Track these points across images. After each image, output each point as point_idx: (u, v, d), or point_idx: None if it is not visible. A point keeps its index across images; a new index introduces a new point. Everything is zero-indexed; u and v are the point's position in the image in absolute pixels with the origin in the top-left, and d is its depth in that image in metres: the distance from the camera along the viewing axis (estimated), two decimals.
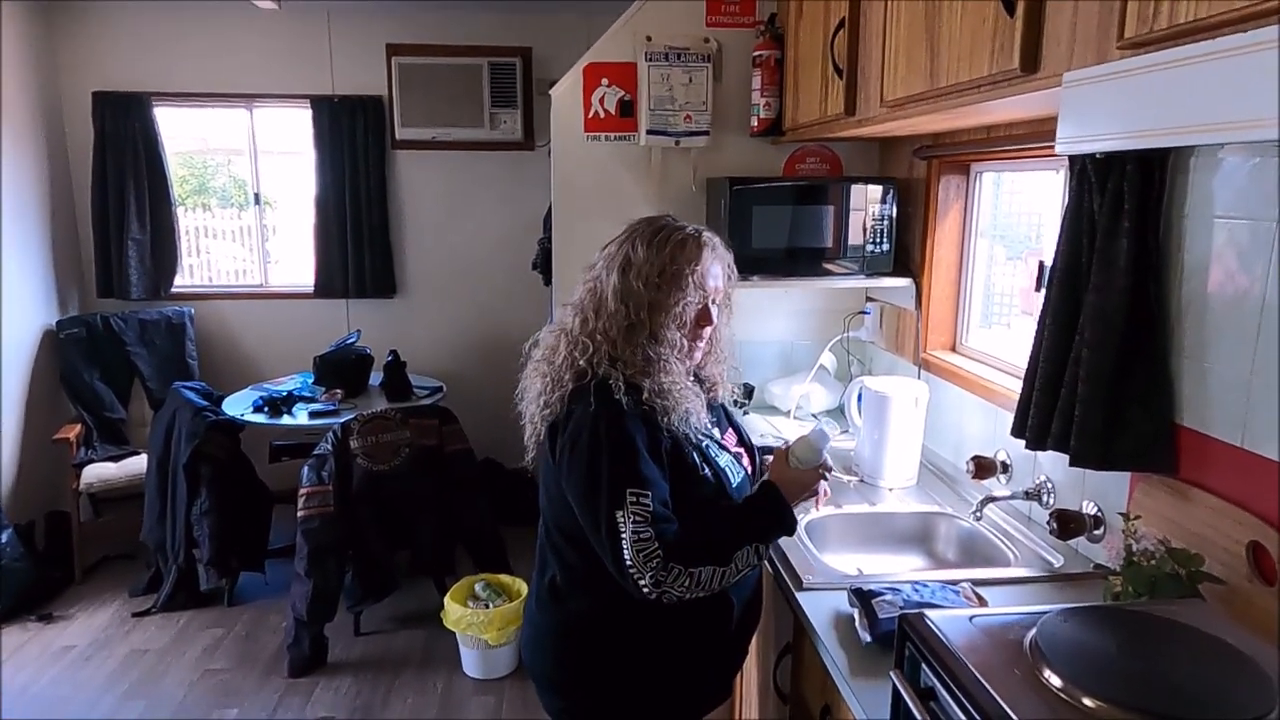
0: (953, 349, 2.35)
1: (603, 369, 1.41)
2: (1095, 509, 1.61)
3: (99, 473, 3.76)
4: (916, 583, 1.47)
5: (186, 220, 4.58)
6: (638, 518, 1.31)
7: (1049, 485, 1.75)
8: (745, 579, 1.50)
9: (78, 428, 3.88)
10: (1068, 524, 1.62)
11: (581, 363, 1.42)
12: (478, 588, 3.10)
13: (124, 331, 4.11)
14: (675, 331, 1.43)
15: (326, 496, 3.03)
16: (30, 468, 3.86)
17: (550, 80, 2.66)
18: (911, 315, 2.42)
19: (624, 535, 1.31)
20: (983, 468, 1.92)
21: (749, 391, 2.70)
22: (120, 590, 3.62)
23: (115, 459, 3.86)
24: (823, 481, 1.54)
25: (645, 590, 1.32)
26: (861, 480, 2.14)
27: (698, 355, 1.52)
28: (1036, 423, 1.51)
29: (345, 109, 4.22)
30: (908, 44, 1.60)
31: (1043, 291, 1.55)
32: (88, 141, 4.13)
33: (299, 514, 3.03)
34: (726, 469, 1.49)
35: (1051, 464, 1.74)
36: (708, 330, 1.50)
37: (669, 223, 1.50)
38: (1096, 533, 1.61)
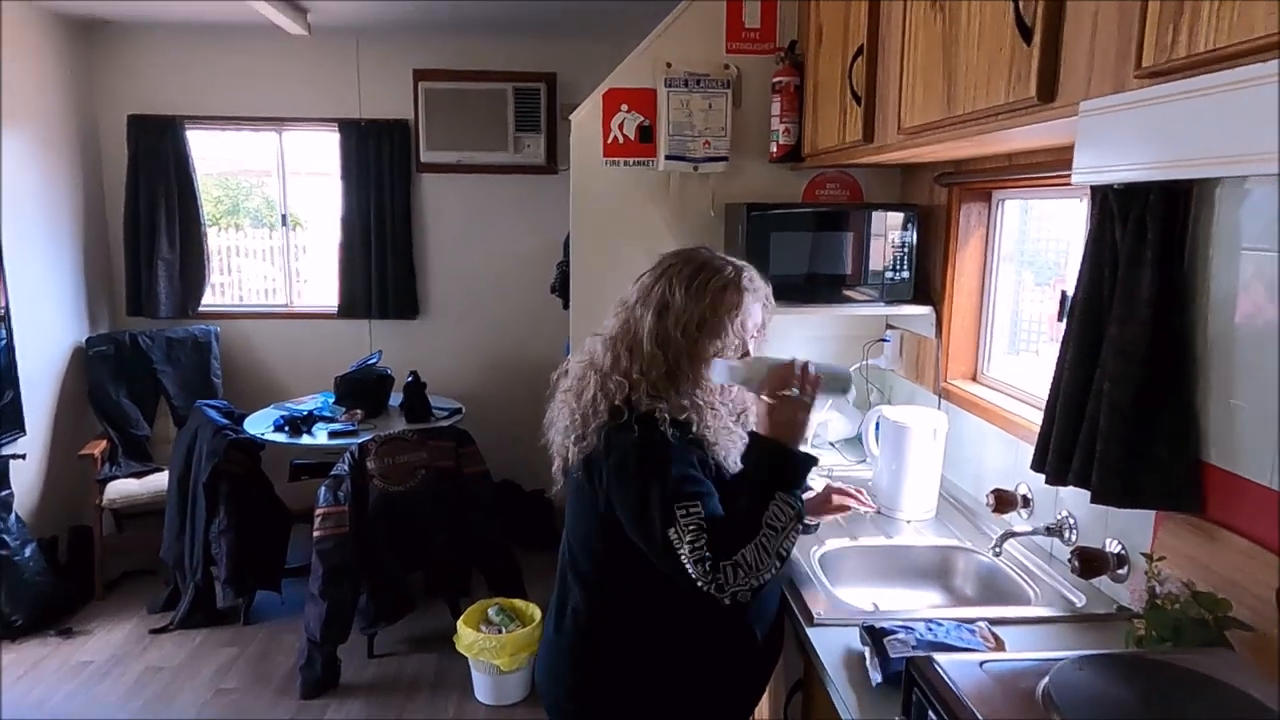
0: (974, 378, 2.31)
1: (644, 405, 1.39)
2: (1119, 547, 1.56)
3: (122, 489, 3.81)
4: (931, 621, 1.43)
5: (220, 240, 4.67)
6: (691, 528, 1.30)
7: (1071, 521, 1.70)
8: (765, 611, 1.49)
9: (103, 443, 3.93)
10: (1090, 562, 1.56)
11: (618, 401, 1.40)
12: (491, 612, 3.08)
13: (151, 349, 4.18)
14: (707, 364, 1.43)
15: (342, 517, 3.03)
16: (55, 482, 3.91)
17: (574, 105, 2.68)
18: (932, 343, 2.38)
19: (681, 552, 1.30)
20: (1003, 501, 1.88)
21: None
22: (139, 606, 3.64)
23: (139, 475, 3.90)
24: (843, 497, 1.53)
25: (718, 598, 1.29)
26: (879, 511, 2.09)
27: (734, 391, 1.51)
28: (1057, 457, 1.47)
29: (372, 133, 4.28)
30: (925, 71, 1.59)
31: (1064, 322, 1.52)
32: (122, 163, 4.22)
33: (315, 534, 3.03)
34: None
35: (1074, 499, 1.69)
36: None
37: (707, 260, 1.48)
38: (1120, 572, 1.56)
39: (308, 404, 3.91)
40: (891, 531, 2.00)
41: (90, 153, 4.22)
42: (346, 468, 3.08)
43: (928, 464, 2.04)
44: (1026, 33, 1.23)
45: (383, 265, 4.36)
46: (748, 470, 1.39)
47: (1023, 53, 1.24)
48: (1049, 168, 1.75)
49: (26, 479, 3.72)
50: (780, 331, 2.70)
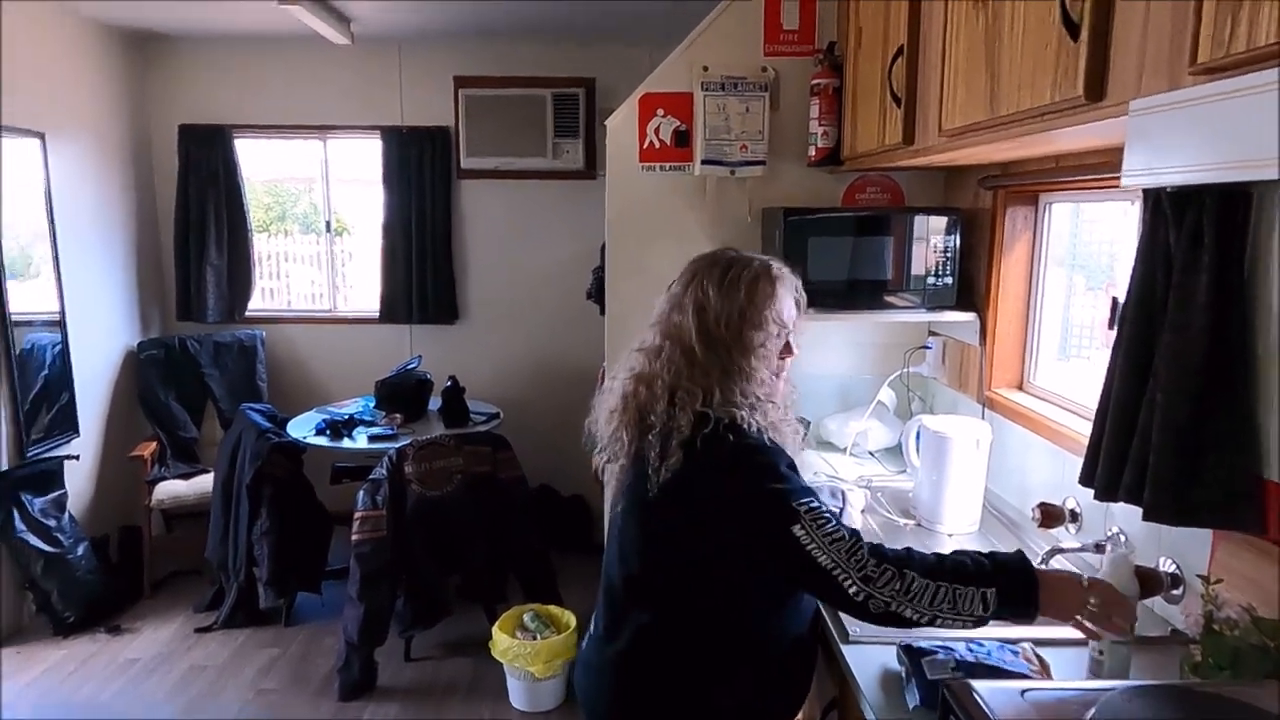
0: (1019, 387, 2.24)
1: (720, 411, 1.36)
2: (1173, 567, 1.49)
3: (170, 489, 3.89)
4: (972, 640, 1.38)
5: (269, 245, 4.76)
6: (815, 519, 1.26)
7: (1122, 538, 1.62)
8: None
9: (153, 445, 4.03)
10: (1143, 582, 1.49)
11: (698, 407, 1.37)
12: (526, 618, 3.08)
13: (199, 353, 4.27)
14: (766, 370, 1.42)
15: (380, 521, 3.06)
16: (107, 483, 4.02)
17: (612, 110, 2.67)
18: (975, 351, 2.31)
19: (810, 546, 1.25)
20: (1050, 516, 1.80)
21: (804, 427, 2.61)
22: (185, 605, 3.72)
23: (186, 476, 3.99)
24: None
25: (853, 592, 1.24)
26: (919, 524, 2.04)
27: (783, 387, 1.48)
28: (1106, 471, 1.40)
29: (413, 139, 4.33)
30: (966, 70, 1.54)
31: (1114, 329, 1.45)
32: (173, 172, 4.33)
33: (353, 538, 3.06)
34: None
35: (1125, 515, 1.62)
36: (789, 362, 1.48)
37: (734, 257, 1.47)
38: (1175, 593, 1.48)
39: (349, 408, 3.96)
40: (932, 545, 1.94)
41: (143, 162, 4.34)
42: (385, 472, 3.10)
43: (970, 475, 1.98)
44: (1073, 29, 1.17)
45: (423, 270, 4.40)
46: (993, 556, 1.31)
47: (1069, 50, 1.19)
48: (1098, 169, 1.68)
49: (80, 479, 3.83)
50: (819, 338, 2.67)
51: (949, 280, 2.31)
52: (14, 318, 3.46)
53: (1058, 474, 1.89)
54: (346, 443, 3.57)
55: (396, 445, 3.21)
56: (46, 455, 3.60)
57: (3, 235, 3.38)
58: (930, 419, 2.09)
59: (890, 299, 2.36)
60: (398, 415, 3.77)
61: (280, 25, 3.74)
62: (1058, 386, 2.11)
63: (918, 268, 2.32)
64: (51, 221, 3.68)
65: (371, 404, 3.95)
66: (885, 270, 2.35)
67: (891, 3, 1.95)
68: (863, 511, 2.08)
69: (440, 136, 4.35)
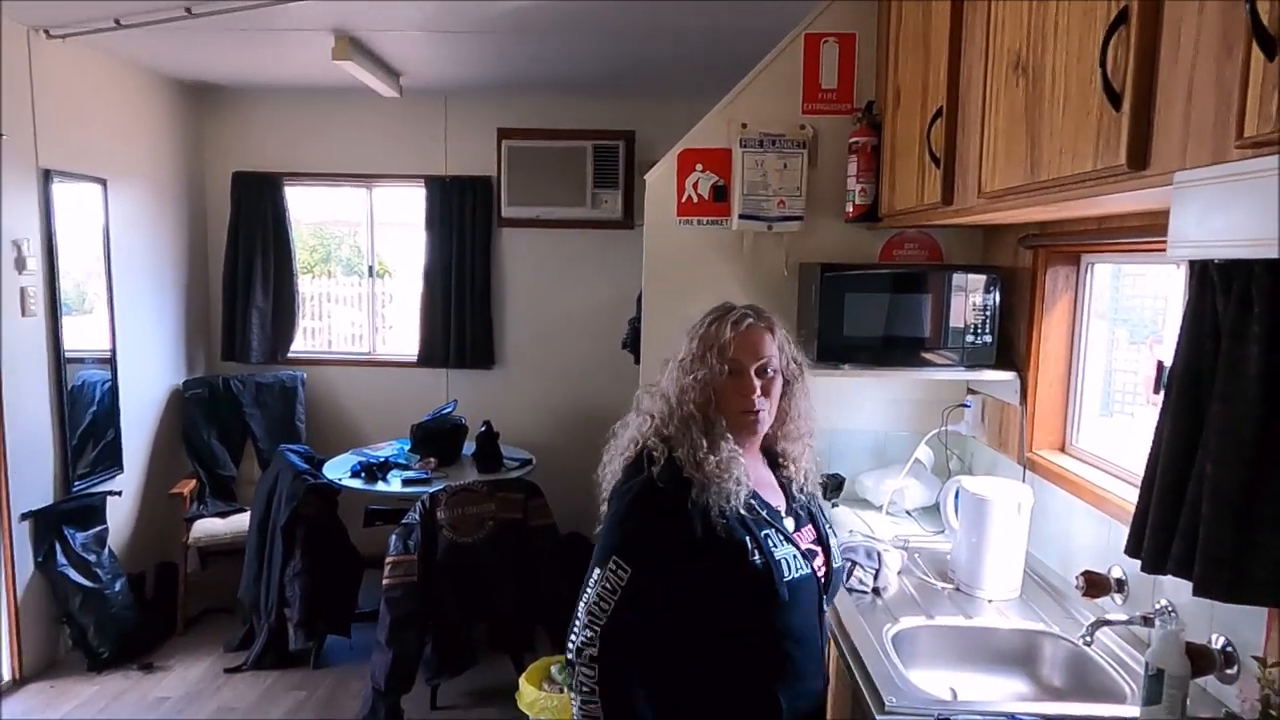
0: (1061, 449, 2.19)
1: (650, 442, 1.44)
2: (1227, 644, 1.43)
3: (208, 528, 3.95)
4: (1015, 715, 1.33)
5: (312, 286, 4.88)
6: (606, 585, 1.35)
7: (1171, 611, 1.57)
8: (803, 688, 1.42)
9: (192, 483, 4.09)
10: (1194, 659, 1.43)
11: (639, 444, 1.46)
12: (554, 670, 3.03)
13: (241, 393, 4.36)
14: (705, 402, 1.43)
15: (411, 566, 3.06)
16: (147, 519, 4.08)
17: (651, 161, 2.72)
18: (1016, 411, 2.28)
19: (589, 589, 1.36)
20: (1094, 585, 1.75)
21: (839, 483, 2.59)
22: (216, 644, 3.73)
23: (223, 515, 4.04)
24: None
25: (569, 647, 1.36)
26: (957, 589, 1.99)
27: (759, 426, 1.47)
28: (1154, 543, 1.36)
29: (456, 188, 4.44)
30: (1007, 135, 1.54)
31: (1161, 395, 1.42)
32: (225, 217, 4.48)
33: (384, 582, 3.06)
34: (783, 561, 1.40)
35: (1175, 586, 1.55)
36: (758, 400, 1.44)
37: (719, 307, 1.52)
38: (1229, 672, 1.42)
39: (384, 450, 4.00)
40: (971, 611, 1.89)
41: (196, 207, 4.50)
42: (417, 517, 3.11)
43: (1011, 540, 1.93)
44: (1115, 98, 1.18)
45: (462, 316, 4.47)
46: None
47: (1111, 119, 1.19)
48: (1143, 232, 1.66)
49: (121, 515, 3.90)
50: (854, 393, 2.65)
51: (988, 339, 2.29)
52: (68, 354, 3.57)
53: (1102, 541, 1.84)
54: (381, 485, 3.60)
55: (430, 489, 3.23)
56: (91, 490, 3.68)
57: (60, 276, 3.51)
58: (969, 480, 2.05)
59: (928, 356, 2.34)
60: (432, 459, 3.80)
61: (332, 78, 3.89)
62: (1101, 447, 2.06)
63: (956, 325, 2.30)
64: (108, 263, 3.81)
65: (407, 447, 3.99)
66: (923, 327, 2.34)
67: (930, 65, 1.97)
68: (899, 573, 2.04)
69: (482, 185, 4.45)
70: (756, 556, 1.38)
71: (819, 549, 1.52)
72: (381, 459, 3.80)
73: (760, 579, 1.38)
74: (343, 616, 3.58)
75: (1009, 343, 2.32)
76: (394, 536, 3.11)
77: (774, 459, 1.58)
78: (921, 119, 2.01)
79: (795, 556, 1.43)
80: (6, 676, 3.33)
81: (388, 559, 3.08)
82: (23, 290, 3.33)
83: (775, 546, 1.41)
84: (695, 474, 1.37)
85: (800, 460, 1.57)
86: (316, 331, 4.98)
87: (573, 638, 1.36)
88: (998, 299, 2.29)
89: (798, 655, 1.43)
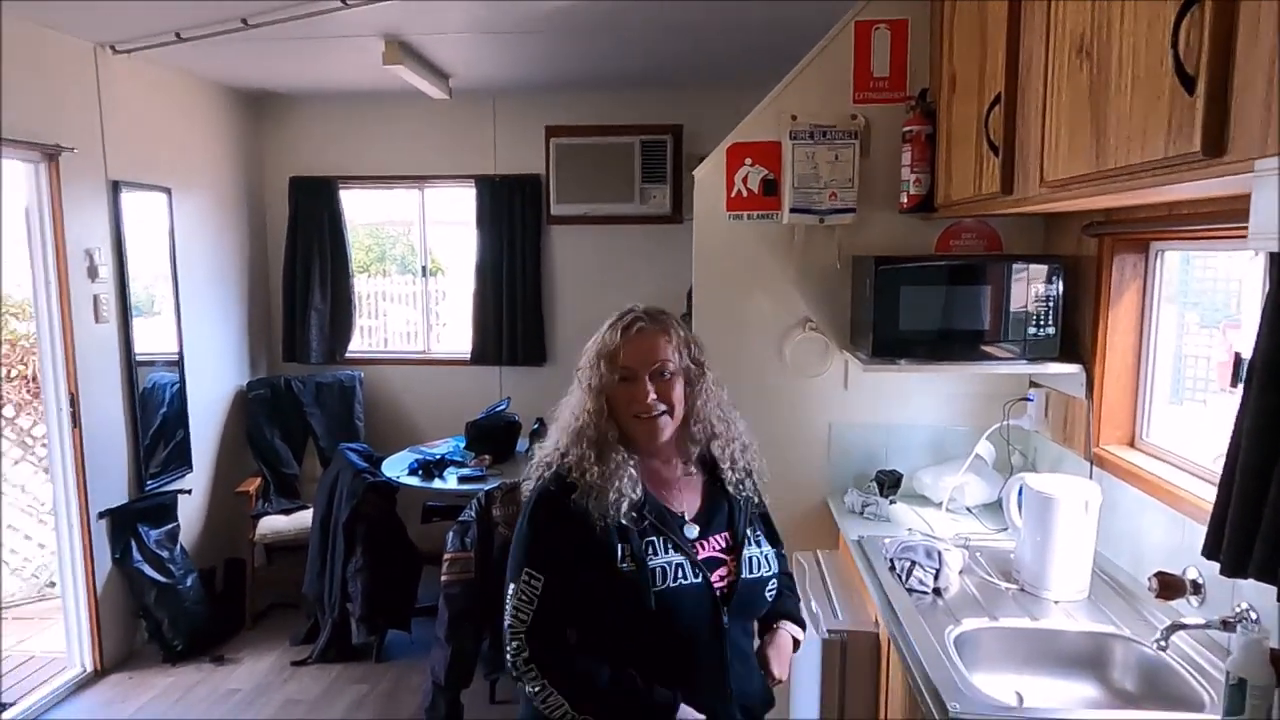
0: (1131, 444, 2.11)
1: (550, 458, 1.50)
2: None
3: (272, 524, 4.06)
4: None
5: (368, 285, 4.99)
6: (523, 597, 1.40)
7: (1252, 616, 1.50)
8: (700, 702, 1.42)
9: (257, 481, 4.22)
10: (1279, 668, 1.37)
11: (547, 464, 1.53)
12: None
13: (302, 393, 4.47)
14: (598, 410, 1.45)
15: (468, 563, 3.10)
16: (215, 517, 4.23)
17: (700, 155, 2.69)
18: (1081, 404, 2.20)
19: (508, 605, 1.42)
20: (1168, 586, 1.68)
21: (896, 480, 2.54)
22: (283, 637, 3.85)
23: (287, 512, 4.16)
24: None
25: (508, 657, 1.41)
26: (1021, 589, 1.93)
27: (659, 429, 1.46)
28: (1234, 546, 1.29)
29: (505, 187, 4.47)
30: (1070, 122, 1.48)
31: (1239, 388, 1.35)
32: (283, 222, 4.59)
33: (442, 578, 3.11)
34: (659, 569, 1.40)
35: (1256, 590, 1.48)
36: (655, 404, 1.45)
37: (618, 313, 1.54)
38: None
39: (440, 448, 4.06)
40: (1037, 612, 1.83)
41: (256, 212, 4.62)
42: (473, 514, 3.15)
43: (1078, 539, 1.87)
44: (1188, 82, 1.12)
45: (513, 314, 4.51)
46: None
47: (1184, 103, 1.13)
48: (1220, 218, 1.58)
49: (191, 513, 4.04)
50: (911, 388, 2.60)
51: (1051, 330, 2.22)
52: (138, 358, 3.70)
53: (1176, 540, 1.77)
54: (437, 483, 3.66)
55: (485, 486, 3.26)
56: (163, 489, 3.81)
57: (129, 282, 3.64)
58: (1033, 477, 1.99)
59: (987, 349, 2.27)
60: (487, 456, 3.84)
61: (384, 82, 3.95)
62: (1173, 441, 1.98)
63: (1017, 317, 2.23)
64: (174, 269, 3.94)
65: (462, 444, 4.04)
66: (982, 320, 2.27)
67: (987, 51, 1.91)
68: (960, 572, 1.99)
69: (531, 184, 4.47)
70: (626, 563, 1.38)
71: (727, 558, 1.49)
72: (438, 456, 3.86)
73: (628, 585, 1.38)
74: (403, 611, 3.65)
75: (1073, 334, 2.24)
76: (451, 533, 3.15)
77: (711, 463, 1.57)
78: (979, 106, 1.95)
79: (681, 565, 1.42)
80: (89, 667, 3.49)
81: (445, 556, 3.12)
82: (96, 298, 3.47)
83: (654, 554, 1.41)
84: (579, 481, 1.41)
85: (723, 462, 1.54)
86: (373, 330, 5.09)
87: (508, 655, 1.41)
88: (1061, 289, 2.21)
89: (684, 667, 1.42)
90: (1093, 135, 1.39)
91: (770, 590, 1.54)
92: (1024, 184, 1.74)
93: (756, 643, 1.58)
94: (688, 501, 1.51)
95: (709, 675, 1.44)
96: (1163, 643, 1.55)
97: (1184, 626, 1.56)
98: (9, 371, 4.46)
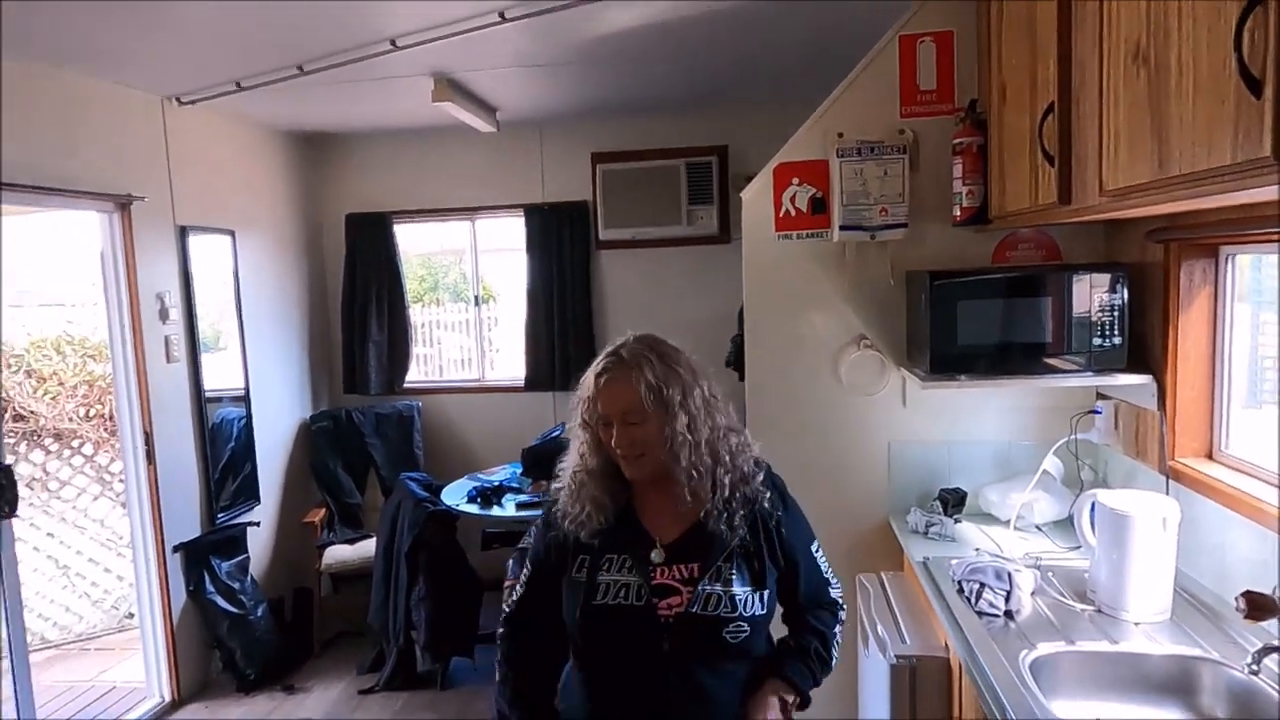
0: (1209, 456, 2.02)
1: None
2: None
3: (337, 554, 4.15)
4: None
5: (422, 315, 5.10)
6: (511, 578, 1.63)
7: None
8: None
9: (322, 511, 4.32)
10: None
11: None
12: None
13: (363, 424, 4.57)
14: (596, 442, 1.53)
15: None
16: (282, 547, 4.33)
17: (746, 174, 2.69)
18: (1153, 416, 2.12)
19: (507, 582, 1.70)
20: (1258, 607, 1.59)
21: (960, 498, 2.48)
22: (350, 665, 3.91)
23: (351, 541, 4.25)
24: None
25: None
26: (1098, 610, 1.86)
27: (637, 468, 1.50)
28: None
29: (554, 215, 4.53)
30: (1129, 129, 1.44)
31: None
32: (340, 257, 4.73)
33: (504, 607, 3.12)
34: (603, 585, 1.48)
35: None
36: (627, 446, 1.49)
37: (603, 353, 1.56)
38: None
39: (498, 475, 4.10)
40: (1116, 635, 1.76)
41: (315, 250, 4.77)
42: (533, 540, 3.17)
43: (1157, 558, 1.79)
44: (1254, 85, 1.08)
45: (565, 340, 4.55)
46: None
47: (1250, 107, 1.09)
48: None
49: (260, 544, 4.14)
50: (972, 404, 2.54)
51: (1118, 340, 2.15)
52: (207, 394, 3.83)
53: (1263, 557, 1.68)
54: (496, 510, 3.69)
55: (542, 513, 3.28)
56: (233, 522, 3.93)
57: (198, 321, 3.78)
58: (1106, 494, 1.92)
59: (1051, 362, 2.21)
60: (544, 482, 3.87)
61: (433, 118, 4.05)
62: (1254, 452, 1.89)
63: (1080, 328, 2.17)
64: (238, 307, 4.08)
65: (518, 470, 4.08)
66: (1044, 332, 2.21)
67: (1038, 59, 1.87)
68: (1032, 594, 1.93)
69: (579, 211, 4.53)
70: (580, 573, 1.51)
71: (683, 588, 1.47)
72: (495, 483, 3.90)
73: (572, 593, 1.51)
74: (466, 638, 3.68)
75: (1141, 343, 2.17)
76: (512, 561, 3.16)
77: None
78: (1031, 116, 1.91)
79: (628, 585, 1.47)
80: (168, 697, 3.59)
81: (506, 583, 3.13)
82: (167, 338, 3.61)
83: (606, 571, 1.49)
84: (562, 498, 1.56)
85: (699, 482, 1.49)
86: (428, 358, 5.18)
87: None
88: (1125, 297, 2.14)
89: (621, 685, 1.50)
90: (1154, 143, 1.35)
91: (734, 632, 1.47)
92: (1082, 193, 1.70)
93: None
94: (669, 529, 1.53)
95: (648, 701, 1.48)
96: (1254, 666, 1.49)
97: (1276, 649, 1.49)
98: (88, 411, 4.66)
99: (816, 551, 1.64)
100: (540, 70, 3.48)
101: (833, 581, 1.66)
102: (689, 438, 1.48)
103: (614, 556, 1.50)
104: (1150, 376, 2.11)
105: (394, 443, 4.61)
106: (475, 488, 3.86)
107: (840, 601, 1.67)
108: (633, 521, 1.53)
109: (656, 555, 1.50)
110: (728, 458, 1.52)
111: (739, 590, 1.48)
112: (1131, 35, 1.41)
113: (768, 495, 1.55)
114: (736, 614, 1.47)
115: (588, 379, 1.52)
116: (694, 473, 1.49)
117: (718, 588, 1.47)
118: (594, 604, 1.48)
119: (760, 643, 1.55)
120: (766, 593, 1.51)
